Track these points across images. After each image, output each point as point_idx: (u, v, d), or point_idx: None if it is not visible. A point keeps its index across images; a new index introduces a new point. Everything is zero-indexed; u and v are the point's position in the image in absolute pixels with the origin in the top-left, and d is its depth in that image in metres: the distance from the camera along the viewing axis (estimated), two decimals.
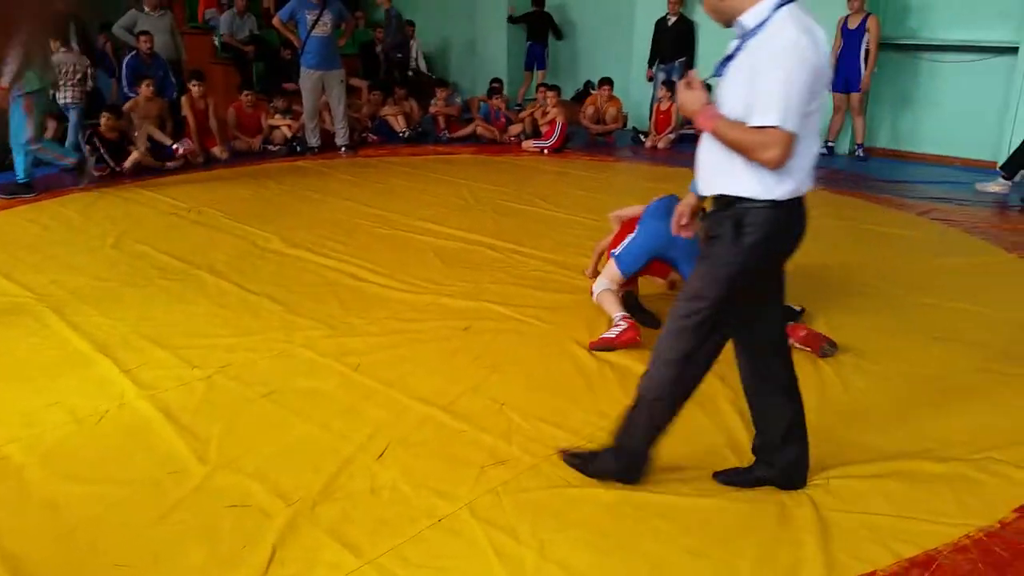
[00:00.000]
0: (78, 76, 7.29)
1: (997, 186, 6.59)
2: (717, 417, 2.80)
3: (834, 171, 7.57)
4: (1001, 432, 2.67)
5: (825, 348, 3.29)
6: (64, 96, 7.26)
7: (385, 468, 2.45)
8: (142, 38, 7.82)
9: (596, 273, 4.00)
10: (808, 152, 2.07)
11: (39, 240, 4.96)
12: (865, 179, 7.15)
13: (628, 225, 3.82)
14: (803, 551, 2.07)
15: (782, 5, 2.02)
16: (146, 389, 2.98)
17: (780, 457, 2.33)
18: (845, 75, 7.85)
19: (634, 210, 3.91)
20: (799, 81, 1.96)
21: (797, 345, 3.25)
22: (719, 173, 2.12)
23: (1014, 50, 7.29)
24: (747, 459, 2.46)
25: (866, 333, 3.53)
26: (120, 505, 2.30)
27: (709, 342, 2.19)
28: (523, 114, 9.14)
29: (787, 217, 2.09)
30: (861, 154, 8.08)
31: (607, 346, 3.35)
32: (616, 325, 3.39)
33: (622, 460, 2.34)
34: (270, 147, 8.24)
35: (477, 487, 2.35)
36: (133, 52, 7.95)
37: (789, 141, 1.97)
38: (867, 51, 7.69)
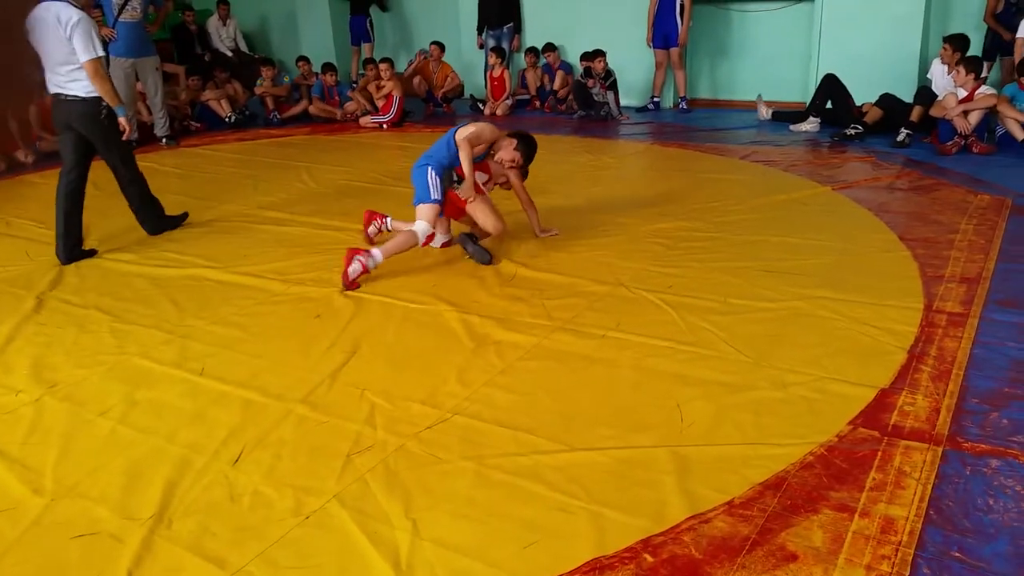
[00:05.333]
0: None
1: (808, 125, 7.11)
2: (580, 376, 2.86)
3: (661, 125, 7.90)
4: (829, 353, 2.89)
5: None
6: None
7: (243, 473, 2.33)
8: None
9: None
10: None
11: None
12: (690, 130, 7.50)
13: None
14: (664, 491, 2.16)
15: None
16: None
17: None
18: (664, 32, 8.18)
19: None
20: None
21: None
22: None
23: None
24: (611, 424, 2.53)
25: (704, 273, 3.71)
26: None
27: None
28: (357, 90, 8.91)
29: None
30: (685, 106, 8.47)
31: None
32: None
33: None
34: None
35: (344, 477, 2.29)
36: None
37: None
38: (682, 7, 8.03)
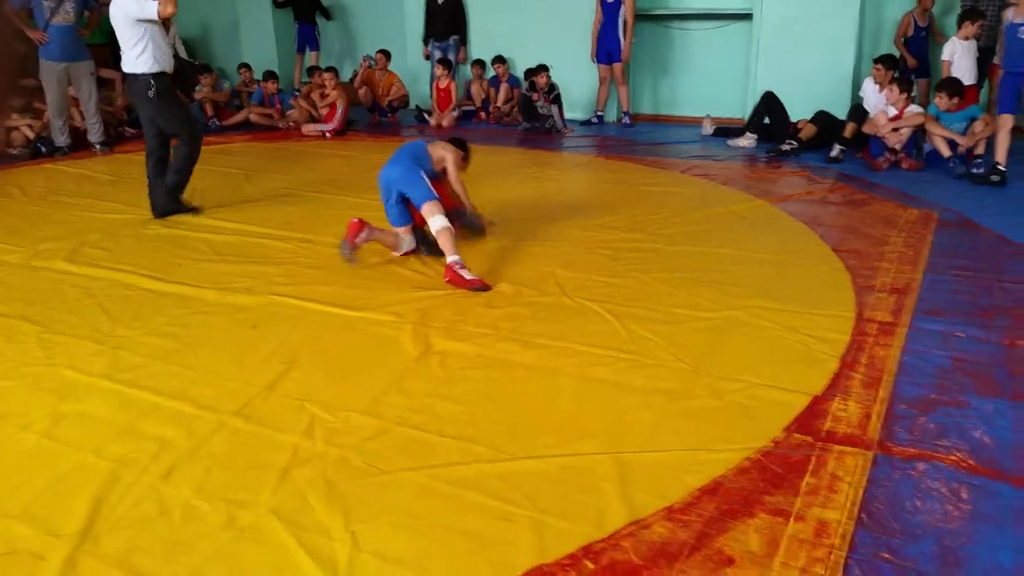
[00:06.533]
0: None
1: (745, 140, 7.28)
2: (524, 386, 2.86)
3: (605, 139, 8.00)
4: (765, 361, 2.95)
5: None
6: None
7: (174, 487, 2.26)
8: None
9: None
10: None
11: None
12: (633, 144, 7.61)
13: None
14: (605, 497, 2.17)
15: None
16: None
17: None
18: (607, 47, 8.29)
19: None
20: None
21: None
22: None
23: (749, 16, 8.03)
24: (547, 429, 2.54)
25: (646, 283, 3.76)
26: None
27: None
28: (300, 98, 8.81)
29: None
30: (627, 121, 8.59)
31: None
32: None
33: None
34: (10, 151, 7.33)
35: (280, 490, 2.23)
36: None
37: None
38: (625, 23, 8.16)
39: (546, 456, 2.38)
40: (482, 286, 3.72)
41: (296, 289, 3.78)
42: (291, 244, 4.50)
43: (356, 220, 3.99)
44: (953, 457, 2.32)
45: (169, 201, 5.14)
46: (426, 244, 4.19)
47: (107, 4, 4.76)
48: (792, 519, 2.07)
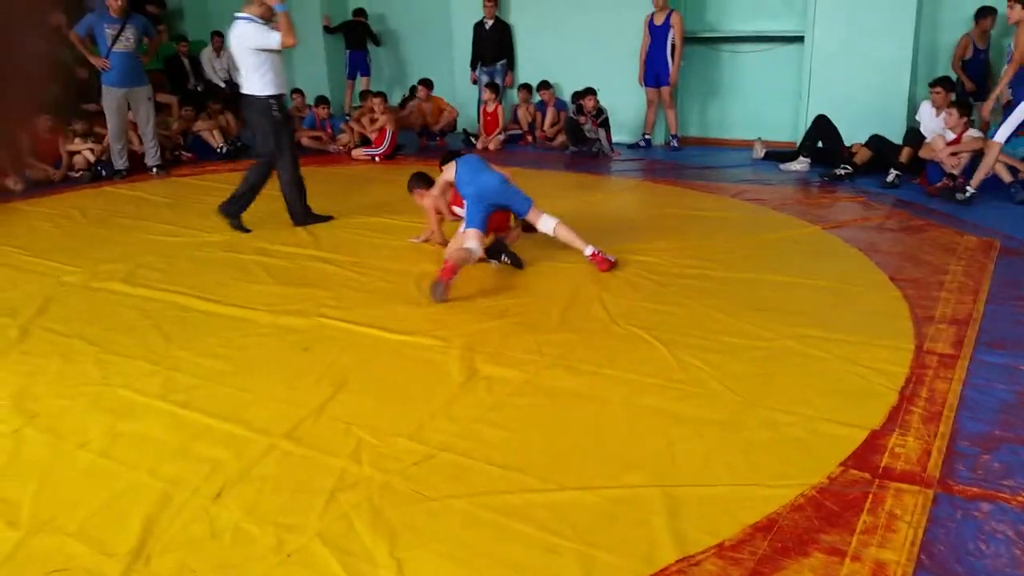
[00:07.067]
0: None
1: (798, 164, 7.17)
2: (571, 414, 2.84)
3: (652, 162, 7.96)
4: (820, 393, 2.88)
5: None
6: None
7: (225, 509, 2.28)
8: None
9: (442, 237, 4.74)
10: None
11: None
12: (681, 168, 7.56)
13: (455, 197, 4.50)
14: (655, 532, 2.13)
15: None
16: None
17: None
18: (655, 70, 8.27)
19: (444, 178, 4.52)
20: None
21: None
22: None
23: (801, 38, 7.95)
24: (599, 456, 2.50)
25: (696, 310, 3.71)
26: None
27: None
28: (351, 121, 8.96)
29: None
30: (675, 144, 8.53)
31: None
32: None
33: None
34: (72, 174, 7.58)
35: (327, 514, 2.24)
36: None
37: None
38: (673, 46, 8.13)
39: (594, 487, 2.34)
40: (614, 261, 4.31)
41: (345, 312, 3.81)
42: (340, 268, 4.56)
43: (452, 262, 3.92)
44: (1020, 498, 2.23)
45: (304, 214, 5.63)
46: (508, 254, 4.40)
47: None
48: (848, 559, 2.00)
